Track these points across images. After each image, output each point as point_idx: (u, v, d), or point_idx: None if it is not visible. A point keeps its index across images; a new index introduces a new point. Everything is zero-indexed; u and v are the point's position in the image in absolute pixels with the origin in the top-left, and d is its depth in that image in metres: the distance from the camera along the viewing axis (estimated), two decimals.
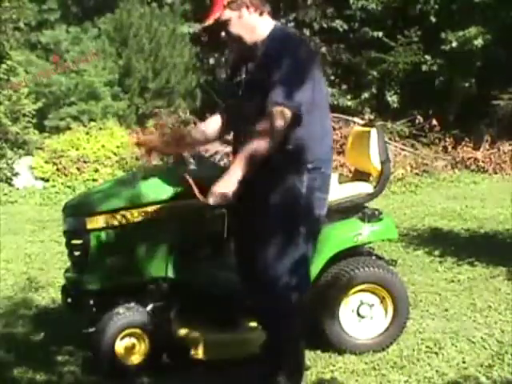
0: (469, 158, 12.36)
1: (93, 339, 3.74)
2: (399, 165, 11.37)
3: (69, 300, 3.91)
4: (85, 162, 11.58)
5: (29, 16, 13.61)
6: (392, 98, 15.27)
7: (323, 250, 3.78)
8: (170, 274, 3.73)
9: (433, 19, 14.99)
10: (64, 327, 4.43)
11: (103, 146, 11.91)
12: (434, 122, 12.46)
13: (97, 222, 3.69)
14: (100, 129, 12.58)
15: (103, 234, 3.70)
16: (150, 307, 3.78)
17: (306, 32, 15.15)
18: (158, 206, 3.68)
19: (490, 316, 4.65)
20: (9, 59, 12.13)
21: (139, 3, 16.38)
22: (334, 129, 10.72)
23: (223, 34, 3.32)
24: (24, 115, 12.19)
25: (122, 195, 3.74)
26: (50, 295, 5.25)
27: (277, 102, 3.07)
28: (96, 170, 11.52)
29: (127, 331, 3.71)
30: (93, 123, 12.98)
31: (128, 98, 15.48)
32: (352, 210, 4.02)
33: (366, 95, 15.34)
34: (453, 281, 5.51)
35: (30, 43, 16.60)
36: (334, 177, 3.75)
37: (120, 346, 3.71)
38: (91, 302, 3.75)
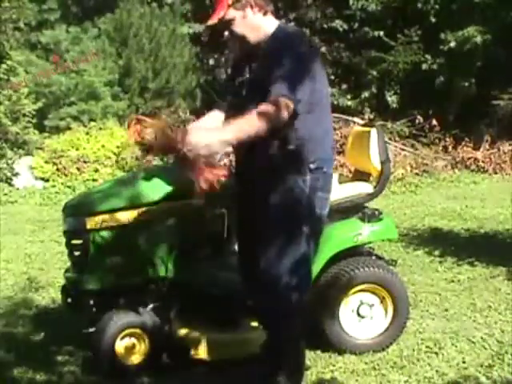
0: (469, 158, 12.35)
1: (93, 339, 3.74)
2: (399, 165, 11.37)
3: (69, 300, 3.91)
4: (85, 162, 11.58)
5: (29, 16, 13.60)
6: (392, 98, 15.25)
7: (323, 250, 3.77)
8: (170, 274, 3.72)
9: (433, 19, 14.97)
10: (64, 327, 4.43)
11: (103, 146, 11.91)
12: (434, 121, 12.46)
13: (97, 222, 3.69)
14: (100, 129, 12.58)
15: (103, 234, 3.70)
16: (150, 307, 3.78)
17: (306, 32, 15.14)
18: (158, 206, 3.67)
19: (489, 316, 4.64)
20: (9, 59, 12.13)
21: (139, 3, 16.38)
22: (334, 129, 10.69)
23: (227, 33, 3.31)
24: (24, 115, 12.19)
25: (122, 195, 3.74)
26: (50, 295, 5.25)
27: (282, 94, 3.04)
28: (96, 170, 11.52)
29: (127, 331, 3.71)
30: (93, 123, 12.98)
31: (128, 98, 15.48)
32: (352, 210, 4.02)
33: (365, 95, 15.32)
34: (453, 281, 5.51)
35: (30, 43, 16.60)
36: (334, 177, 3.75)
37: (120, 346, 3.71)
38: (91, 302, 3.74)
